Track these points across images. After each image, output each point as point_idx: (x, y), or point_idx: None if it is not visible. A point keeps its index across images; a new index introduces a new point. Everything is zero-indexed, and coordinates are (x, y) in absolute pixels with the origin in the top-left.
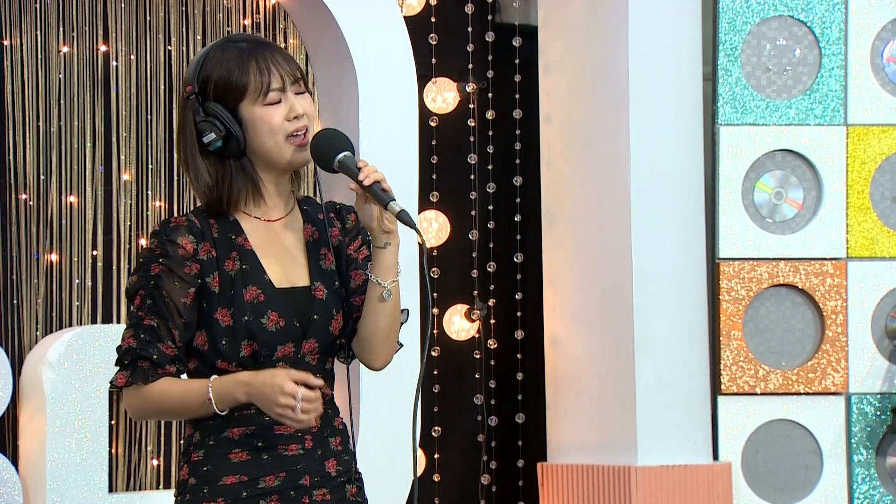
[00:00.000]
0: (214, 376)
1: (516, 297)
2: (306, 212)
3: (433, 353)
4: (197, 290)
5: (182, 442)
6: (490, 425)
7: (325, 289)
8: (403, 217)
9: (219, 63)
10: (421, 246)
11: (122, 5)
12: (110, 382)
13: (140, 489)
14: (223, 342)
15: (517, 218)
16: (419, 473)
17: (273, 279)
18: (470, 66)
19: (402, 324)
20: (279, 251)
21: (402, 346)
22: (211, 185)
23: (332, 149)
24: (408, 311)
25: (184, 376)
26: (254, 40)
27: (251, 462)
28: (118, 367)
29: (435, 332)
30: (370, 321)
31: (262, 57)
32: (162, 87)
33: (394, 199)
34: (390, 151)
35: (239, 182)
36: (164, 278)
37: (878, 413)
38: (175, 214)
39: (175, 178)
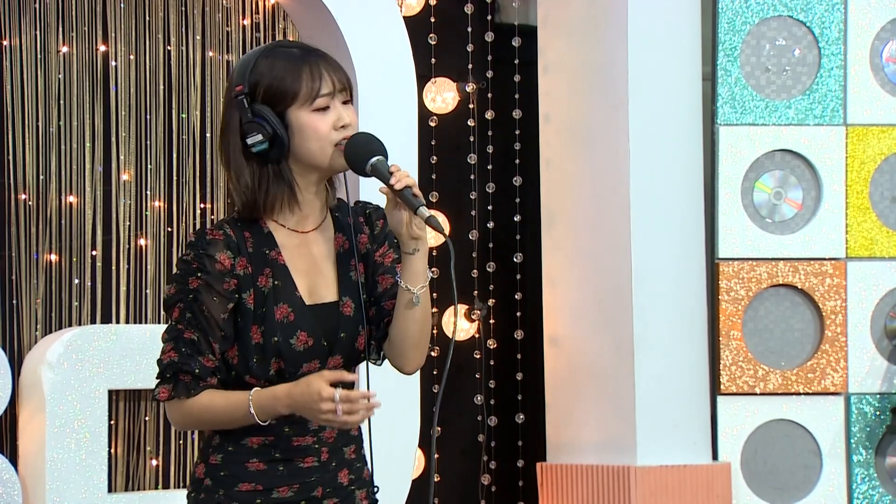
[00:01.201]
0: (255, 389)
1: (516, 296)
2: (337, 219)
3: (432, 353)
4: (234, 305)
5: (200, 442)
6: (490, 425)
7: (352, 303)
8: (432, 222)
9: (271, 67)
10: (450, 249)
11: (122, 5)
12: (153, 396)
13: (139, 489)
14: (254, 359)
15: (517, 218)
16: (417, 474)
17: (303, 295)
18: (469, 66)
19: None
20: (310, 265)
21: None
22: (251, 186)
23: (365, 152)
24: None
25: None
26: (305, 47)
27: (267, 472)
28: (160, 381)
29: (434, 331)
30: (400, 327)
31: (314, 63)
32: (161, 87)
33: (423, 205)
34: (390, 151)
35: (276, 187)
36: (202, 292)
37: (878, 413)
38: (210, 224)
39: (174, 177)
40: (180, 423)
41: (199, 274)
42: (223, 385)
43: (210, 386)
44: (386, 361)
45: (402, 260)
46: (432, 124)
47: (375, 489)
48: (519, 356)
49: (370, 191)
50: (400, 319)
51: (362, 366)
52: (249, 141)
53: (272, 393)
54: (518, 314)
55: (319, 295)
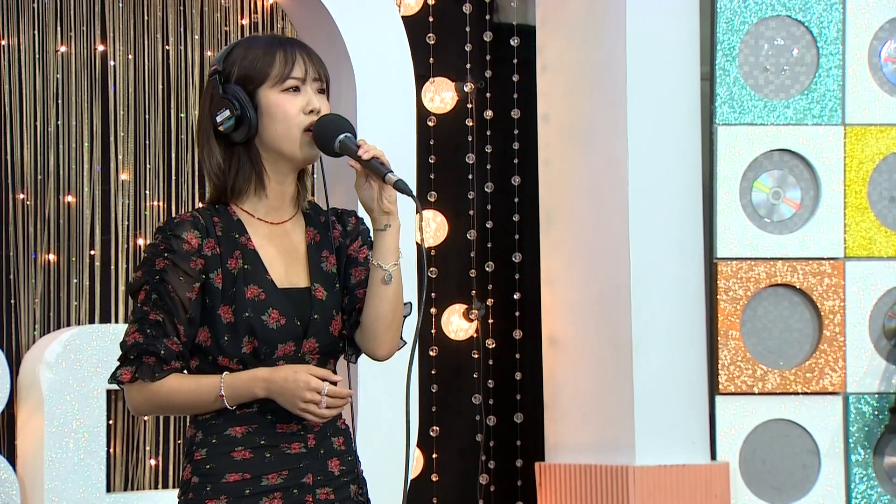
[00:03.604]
0: (226, 372)
1: (514, 296)
2: (308, 216)
3: (431, 353)
4: (201, 286)
5: (183, 442)
6: (488, 425)
7: (324, 290)
8: (400, 185)
9: (247, 49)
10: (416, 205)
11: (120, 5)
12: (113, 377)
13: (138, 489)
14: (225, 338)
15: (515, 217)
16: (416, 474)
17: (274, 279)
18: (468, 65)
19: (405, 317)
20: (280, 252)
21: (405, 342)
22: (222, 167)
23: (334, 131)
24: (411, 304)
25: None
26: (284, 36)
27: (254, 460)
28: (121, 363)
29: (433, 331)
30: (373, 306)
31: (289, 48)
32: (160, 86)
33: (391, 171)
34: (388, 151)
35: (244, 171)
36: (169, 273)
37: (876, 413)
38: (176, 213)
39: (173, 177)
40: (142, 407)
41: (165, 255)
42: (194, 373)
43: (175, 369)
44: (360, 357)
45: (374, 237)
46: (431, 124)
47: (361, 476)
48: (518, 356)
49: (341, 195)
50: (372, 299)
51: (344, 365)
52: (218, 119)
53: (251, 374)
54: (517, 314)
55: (291, 281)
